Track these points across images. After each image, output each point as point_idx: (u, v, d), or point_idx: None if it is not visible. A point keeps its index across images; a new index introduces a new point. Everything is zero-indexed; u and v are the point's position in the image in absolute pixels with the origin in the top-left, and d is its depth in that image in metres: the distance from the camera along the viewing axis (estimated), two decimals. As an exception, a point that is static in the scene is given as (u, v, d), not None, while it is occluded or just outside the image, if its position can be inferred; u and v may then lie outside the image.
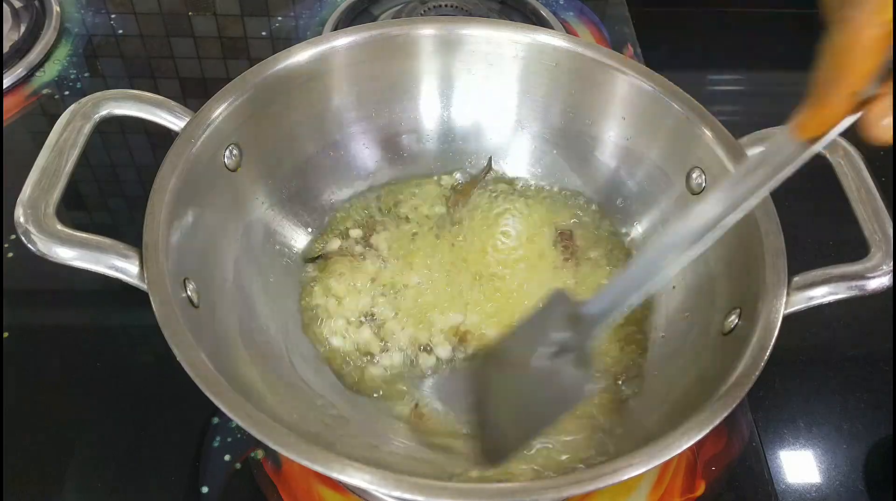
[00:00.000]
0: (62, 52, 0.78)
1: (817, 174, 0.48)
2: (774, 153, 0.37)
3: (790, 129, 0.36)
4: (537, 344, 0.43)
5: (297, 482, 0.50)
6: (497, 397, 0.45)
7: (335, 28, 0.80)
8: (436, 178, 0.62)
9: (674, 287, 0.53)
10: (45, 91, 0.74)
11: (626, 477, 0.36)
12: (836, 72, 0.32)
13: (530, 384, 0.43)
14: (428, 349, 0.53)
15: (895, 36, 0.30)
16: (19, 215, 0.42)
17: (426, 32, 0.57)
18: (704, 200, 0.38)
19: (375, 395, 0.51)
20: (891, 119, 0.32)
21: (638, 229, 0.57)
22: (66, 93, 0.74)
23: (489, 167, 0.61)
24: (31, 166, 0.44)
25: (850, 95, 0.32)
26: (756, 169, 0.37)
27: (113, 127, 0.71)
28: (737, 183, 0.38)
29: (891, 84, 0.32)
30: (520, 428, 0.44)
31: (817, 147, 0.36)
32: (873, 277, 0.43)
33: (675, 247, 0.39)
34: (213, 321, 0.47)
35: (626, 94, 0.55)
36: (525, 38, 0.57)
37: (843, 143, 0.49)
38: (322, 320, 0.54)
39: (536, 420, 0.44)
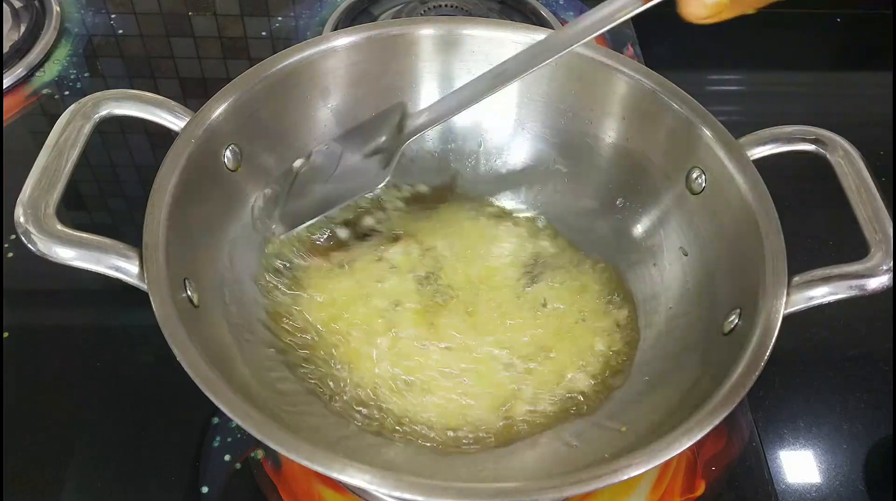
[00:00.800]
0: (62, 52, 0.78)
1: (817, 174, 0.48)
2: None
3: None
4: (363, 144, 0.53)
5: (297, 482, 0.50)
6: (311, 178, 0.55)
7: (335, 28, 0.80)
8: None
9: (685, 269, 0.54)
10: (45, 91, 0.74)
11: (625, 477, 0.36)
12: None
13: (341, 172, 0.53)
14: None
15: None
16: (19, 214, 0.42)
17: (426, 32, 0.57)
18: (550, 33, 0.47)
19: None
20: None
21: (638, 229, 0.57)
22: (66, 93, 0.74)
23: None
24: (31, 166, 0.44)
25: None
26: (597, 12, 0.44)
27: (113, 127, 0.71)
28: (581, 21, 0.44)
29: None
30: (317, 201, 0.54)
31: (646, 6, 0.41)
32: (873, 277, 0.43)
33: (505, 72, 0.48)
34: (213, 321, 0.47)
35: (626, 94, 0.55)
36: (525, 38, 0.57)
37: (844, 143, 0.49)
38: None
39: (331, 199, 0.53)
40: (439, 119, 0.51)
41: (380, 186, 0.52)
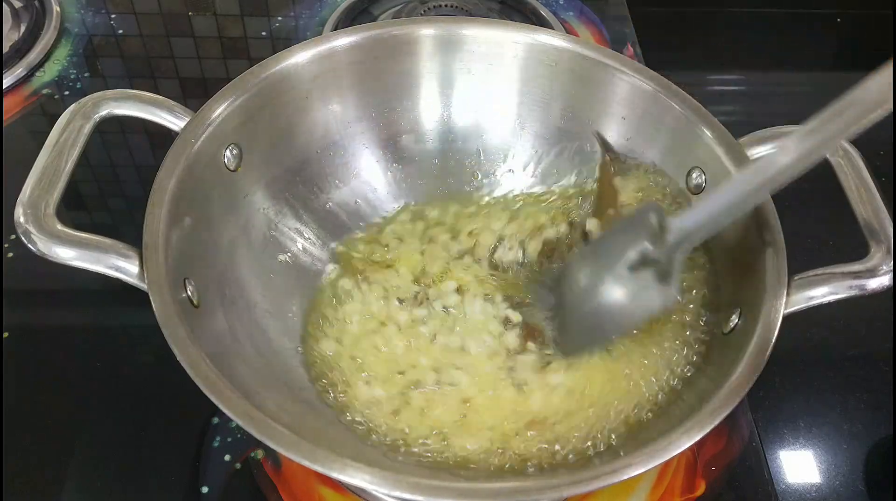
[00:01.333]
0: (62, 53, 0.78)
1: (817, 174, 0.48)
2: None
3: None
4: (621, 254, 0.45)
5: (297, 482, 0.50)
6: (574, 297, 0.49)
7: (335, 28, 0.80)
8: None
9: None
10: (45, 91, 0.74)
11: (625, 477, 0.36)
12: None
13: (609, 290, 0.46)
14: None
15: None
16: (19, 214, 0.42)
17: (426, 32, 0.57)
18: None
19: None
20: None
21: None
22: (66, 93, 0.74)
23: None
24: (31, 166, 0.44)
25: None
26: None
27: (113, 127, 0.71)
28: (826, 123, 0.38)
29: None
30: (594, 330, 0.48)
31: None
32: (873, 277, 0.43)
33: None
34: (214, 321, 0.47)
35: (626, 94, 0.55)
36: (525, 38, 0.57)
37: (844, 143, 0.49)
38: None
39: (610, 326, 0.47)
40: (711, 221, 0.43)
41: (670, 305, 0.46)
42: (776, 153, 0.40)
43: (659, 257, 0.44)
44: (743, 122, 0.53)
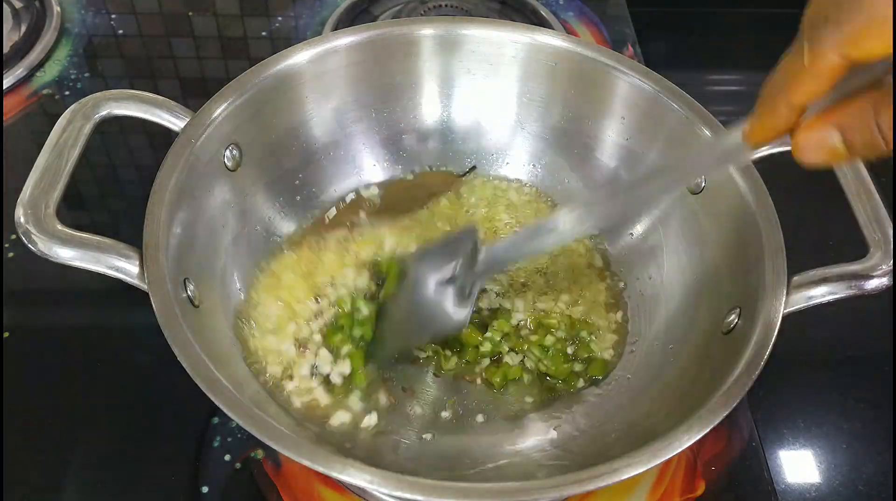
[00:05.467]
0: (62, 53, 0.78)
1: (817, 174, 0.48)
2: (719, 147, 0.39)
3: (743, 130, 0.37)
4: (436, 270, 0.49)
5: (297, 481, 0.50)
6: (391, 310, 0.52)
7: (335, 28, 0.80)
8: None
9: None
10: (45, 91, 0.74)
11: (625, 477, 0.36)
12: (783, 85, 0.32)
13: (417, 304, 0.50)
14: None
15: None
16: (19, 215, 0.42)
17: (426, 32, 0.57)
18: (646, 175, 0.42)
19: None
20: (814, 148, 0.33)
21: (638, 229, 0.57)
22: (67, 93, 0.74)
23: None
24: (32, 166, 0.44)
25: (792, 111, 0.33)
26: (697, 156, 0.41)
27: (113, 127, 0.71)
28: (673, 167, 0.41)
29: (825, 116, 0.32)
30: (395, 340, 0.51)
31: (754, 155, 0.38)
32: (872, 276, 0.43)
33: (590, 213, 0.44)
34: (214, 321, 0.47)
35: (626, 94, 0.55)
36: (525, 38, 0.57)
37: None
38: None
39: (410, 336, 0.51)
40: (516, 255, 0.49)
41: (461, 329, 0.50)
42: (572, 211, 0.44)
43: (464, 280, 0.48)
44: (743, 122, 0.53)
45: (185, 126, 0.49)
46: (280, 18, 0.84)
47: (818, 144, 0.32)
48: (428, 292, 0.49)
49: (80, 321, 0.59)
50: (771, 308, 0.42)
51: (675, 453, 0.37)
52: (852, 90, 0.31)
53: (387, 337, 0.51)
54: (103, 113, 0.48)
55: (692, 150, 0.40)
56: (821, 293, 0.43)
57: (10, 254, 0.61)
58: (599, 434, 0.48)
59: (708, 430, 0.38)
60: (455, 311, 0.49)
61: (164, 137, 0.49)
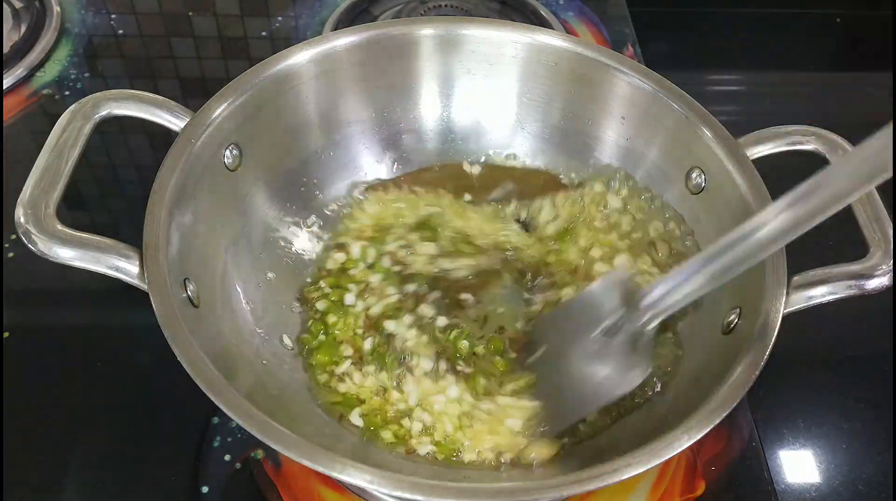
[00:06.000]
0: (62, 53, 0.78)
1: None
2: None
3: None
4: (592, 323, 0.45)
5: (297, 481, 0.50)
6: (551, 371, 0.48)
7: (335, 28, 0.80)
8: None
9: None
10: (45, 91, 0.74)
11: (625, 477, 0.36)
12: None
13: (584, 361, 0.46)
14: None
15: None
16: (19, 215, 0.42)
17: (426, 32, 0.57)
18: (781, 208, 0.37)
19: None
20: None
21: (638, 229, 0.57)
22: (67, 93, 0.74)
23: None
24: (32, 166, 0.44)
25: None
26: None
27: (113, 127, 0.71)
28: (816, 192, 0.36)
29: None
30: (574, 402, 0.46)
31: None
32: (872, 276, 0.43)
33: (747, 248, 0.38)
34: (213, 321, 0.47)
35: (626, 94, 0.55)
36: (525, 38, 0.57)
37: (843, 143, 0.49)
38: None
39: (590, 397, 0.46)
40: (682, 295, 0.42)
41: (642, 378, 0.45)
42: (756, 224, 0.38)
43: (631, 327, 0.44)
44: (743, 122, 0.53)
45: (185, 126, 0.49)
46: (280, 18, 0.84)
47: None
48: (594, 342, 0.45)
49: (80, 320, 0.59)
50: (771, 308, 0.42)
51: (675, 453, 0.37)
52: None
53: (561, 404, 0.47)
54: (103, 113, 0.48)
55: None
56: (821, 293, 0.43)
57: (10, 254, 0.61)
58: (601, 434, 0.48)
59: (708, 430, 0.38)
60: (634, 360, 0.44)
61: (164, 137, 0.49)
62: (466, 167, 0.61)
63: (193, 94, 0.78)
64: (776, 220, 0.37)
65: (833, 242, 0.65)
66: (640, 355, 0.44)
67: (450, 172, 0.61)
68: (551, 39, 0.57)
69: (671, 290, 0.42)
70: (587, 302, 0.47)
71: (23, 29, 0.78)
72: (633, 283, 0.44)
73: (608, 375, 0.45)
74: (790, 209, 0.37)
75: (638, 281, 0.47)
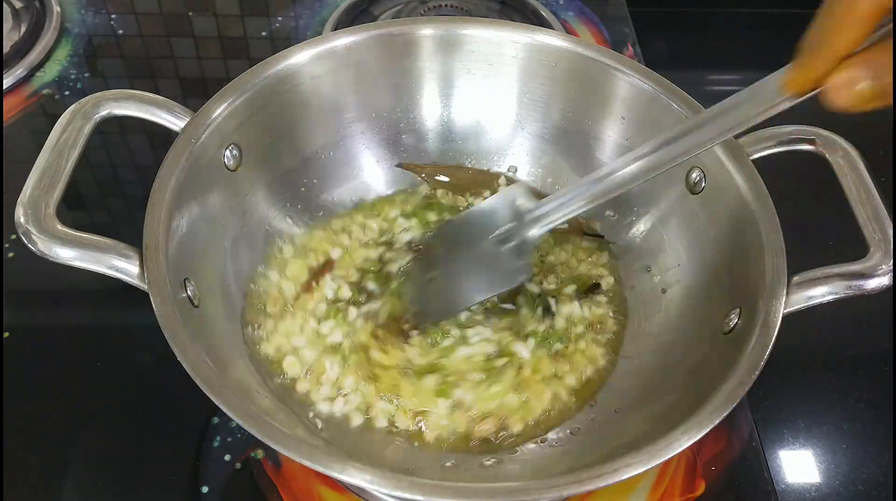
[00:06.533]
0: (62, 53, 0.78)
1: (817, 174, 0.48)
2: (756, 97, 0.39)
3: (780, 81, 0.38)
4: (488, 229, 0.52)
5: (297, 481, 0.50)
6: (443, 269, 0.54)
7: (335, 28, 0.80)
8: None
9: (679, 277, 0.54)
10: (45, 91, 0.74)
11: (625, 477, 0.36)
12: (826, 34, 0.33)
13: (474, 263, 0.53)
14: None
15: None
16: (19, 215, 0.42)
17: (426, 32, 0.57)
18: (679, 129, 0.43)
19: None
20: (843, 88, 0.33)
21: (640, 228, 0.57)
22: (67, 93, 0.74)
23: None
24: (32, 166, 0.44)
25: (835, 59, 0.33)
26: (733, 108, 0.40)
27: (113, 127, 0.71)
28: (714, 117, 0.41)
29: (857, 58, 0.32)
30: (456, 297, 0.53)
31: (792, 103, 0.38)
32: (873, 276, 0.43)
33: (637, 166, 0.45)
34: (214, 321, 0.47)
35: (626, 93, 0.55)
36: (525, 38, 0.57)
37: (844, 143, 0.49)
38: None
39: (470, 292, 0.53)
40: (568, 209, 0.49)
41: (522, 280, 0.52)
42: (624, 161, 0.45)
43: (520, 234, 0.51)
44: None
45: (186, 126, 0.49)
46: (280, 18, 0.84)
47: (848, 85, 0.33)
48: (485, 247, 0.51)
49: (80, 320, 0.59)
50: (771, 308, 0.42)
51: (674, 453, 0.37)
52: (885, 34, 0.32)
53: (435, 296, 0.52)
54: (103, 113, 0.48)
55: (726, 101, 0.40)
56: (821, 293, 0.43)
57: (10, 254, 0.61)
58: (602, 433, 0.48)
59: (708, 430, 0.38)
60: (515, 263, 0.51)
61: (164, 137, 0.49)
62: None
63: (193, 94, 0.78)
64: (641, 161, 0.44)
65: (833, 242, 0.65)
66: (523, 260, 0.51)
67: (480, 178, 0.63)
68: (551, 39, 0.57)
69: (554, 208, 0.49)
70: (485, 212, 0.53)
71: (23, 29, 0.78)
72: (523, 198, 0.51)
73: (493, 277, 0.52)
74: (657, 152, 0.44)
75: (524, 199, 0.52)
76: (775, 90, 0.38)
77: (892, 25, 0.32)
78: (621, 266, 0.58)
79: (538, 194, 0.58)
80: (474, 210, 0.55)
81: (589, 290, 0.56)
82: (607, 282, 0.57)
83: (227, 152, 0.51)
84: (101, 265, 0.42)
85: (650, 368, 0.51)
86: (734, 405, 0.39)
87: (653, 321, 0.54)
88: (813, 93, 0.36)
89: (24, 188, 0.43)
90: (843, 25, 0.32)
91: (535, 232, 0.50)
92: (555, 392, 0.51)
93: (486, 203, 0.54)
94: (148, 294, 0.41)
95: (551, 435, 0.49)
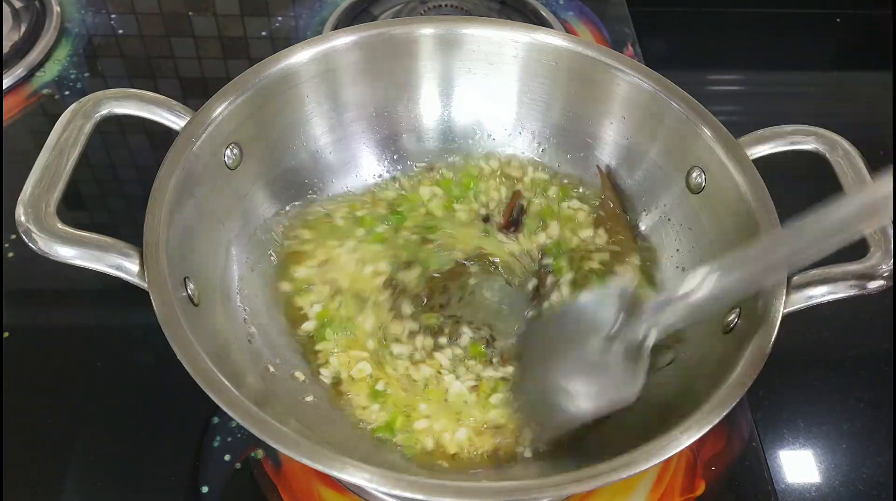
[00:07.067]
0: (62, 53, 0.78)
1: (817, 174, 0.48)
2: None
3: None
4: (589, 330, 0.43)
5: (297, 481, 0.50)
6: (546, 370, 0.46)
7: (335, 28, 0.80)
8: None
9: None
10: (45, 91, 0.74)
11: (625, 476, 0.36)
12: None
13: (577, 370, 0.44)
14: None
15: None
16: (20, 214, 0.42)
17: (426, 32, 0.57)
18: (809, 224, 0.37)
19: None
20: None
21: (641, 227, 0.57)
22: (66, 93, 0.74)
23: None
24: (32, 166, 0.44)
25: None
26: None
27: (113, 127, 0.71)
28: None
29: None
30: (563, 413, 0.44)
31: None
32: (873, 276, 0.43)
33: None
34: (214, 320, 0.47)
35: (626, 93, 0.55)
36: (525, 38, 0.57)
37: (843, 142, 0.49)
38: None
39: (583, 408, 0.44)
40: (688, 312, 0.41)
41: (638, 394, 0.43)
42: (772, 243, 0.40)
43: (630, 337, 0.43)
44: (743, 122, 0.53)
45: (186, 125, 0.49)
46: (280, 18, 0.84)
47: None
48: (593, 347, 0.43)
49: (80, 320, 0.59)
50: (771, 308, 0.42)
51: (674, 452, 0.37)
52: None
53: (545, 406, 0.45)
54: (104, 112, 0.48)
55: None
56: (821, 293, 0.43)
57: (10, 254, 0.61)
58: (602, 433, 0.48)
59: (707, 429, 0.38)
60: (633, 370, 0.43)
61: (164, 137, 0.49)
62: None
63: (193, 94, 0.78)
64: (788, 244, 0.38)
65: (833, 242, 0.65)
66: (637, 367, 0.43)
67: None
68: (551, 39, 0.57)
69: (676, 301, 0.41)
70: (584, 308, 0.46)
71: (23, 29, 0.78)
72: (634, 291, 0.44)
73: (603, 386, 0.44)
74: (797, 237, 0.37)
75: (639, 292, 0.46)
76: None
77: None
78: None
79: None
80: (580, 300, 0.48)
81: None
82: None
83: (228, 152, 0.51)
84: (101, 264, 0.42)
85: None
86: (734, 404, 0.39)
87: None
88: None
89: (25, 187, 0.43)
90: None
91: (651, 334, 0.42)
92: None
93: (595, 291, 0.47)
94: (148, 294, 0.41)
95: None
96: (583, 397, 0.44)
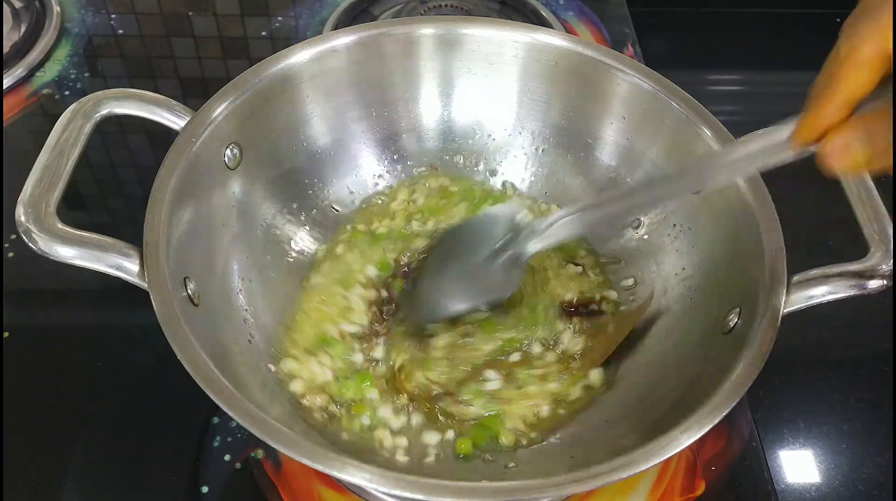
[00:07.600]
0: (62, 52, 0.78)
1: (817, 174, 0.48)
2: (763, 145, 0.39)
3: (790, 132, 0.36)
4: (486, 239, 0.52)
5: (297, 481, 0.50)
6: (434, 275, 0.54)
7: (335, 28, 0.80)
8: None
9: (679, 272, 0.54)
10: (45, 91, 0.74)
11: (624, 476, 0.36)
12: (830, 80, 0.32)
13: (465, 271, 0.53)
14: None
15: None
16: (20, 214, 0.42)
17: (426, 32, 0.57)
18: (683, 171, 0.44)
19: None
20: (838, 153, 0.32)
21: (642, 228, 0.57)
22: (66, 93, 0.74)
23: None
24: (32, 166, 0.44)
25: (841, 106, 0.32)
26: (740, 155, 0.40)
27: (113, 127, 0.71)
28: (718, 164, 0.42)
29: (854, 121, 0.32)
30: (439, 304, 0.53)
31: (798, 155, 0.37)
32: (873, 277, 0.43)
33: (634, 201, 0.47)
34: (214, 320, 0.47)
35: (626, 93, 0.55)
36: (525, 38, 0.57)
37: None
38: None
39: (454, 300, 0.52)
40: (569, 229, 0.49)
41: (508, 293, 0.52)
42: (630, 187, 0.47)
43: (515, 248, 0.51)
44: (743, 122, 0.53)
45: (186, 125, 0.49)
46: (280, 18, 0.84)
47: (842, 149, 0.32)
48: (479, 257, 0.52)
49: (80, 320, 0.59)
50: (771, 308, 0.42)
51: (674, 452, 0.37)
52: (883, 101, 0.31)
53: (427, 302, 0.53)
54: (104, 112, 0.48)
55: (732, 149, 0.40)
56: (821, 293, 0.43)
57: (10, 254, 0.61)
58: (604, 433, 0.48)
59: (707, 430, 0.38)
60: (505, 276, 0.51)
61: (164, 137, 0.49)
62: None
63: (193, 94, 0.78)
64: (651, 189, 0.47)
65: (833, 242, 0.65)
66: (512, 275, 0.51)
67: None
68: (551, 39, 0.57)
69: (554, 225, 0.49)
70: (485, 221, 0.54)
71: (23, 29, 0.78)
72: (524, 213, 0.53)
73: (484, 287, 0.52)
74: (664, 185, 0.45)
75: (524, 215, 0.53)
76: (782, 139, 0.37)
77: (892, 94, 0.31)
78: (623, 265, 0.57)
79: (541, 211, 0.60)
80: (473, 219, 0.56)
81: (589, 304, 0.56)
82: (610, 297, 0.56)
83: (228, 152, 0.51)
84: (101, 264, 0.42)
85: (650, 367, 0.51)
86: (734, 404, 0.39)
87: (654, 319, 0.54)
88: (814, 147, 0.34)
89: (25, 187, 0.43)
90: (847, 71, 0.31)
91: (530, 247, 0.50)
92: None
93: (487, 213, 0.55)
94: (148, 293, 0.41)
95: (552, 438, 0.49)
96: (463, 293, 0.52)
